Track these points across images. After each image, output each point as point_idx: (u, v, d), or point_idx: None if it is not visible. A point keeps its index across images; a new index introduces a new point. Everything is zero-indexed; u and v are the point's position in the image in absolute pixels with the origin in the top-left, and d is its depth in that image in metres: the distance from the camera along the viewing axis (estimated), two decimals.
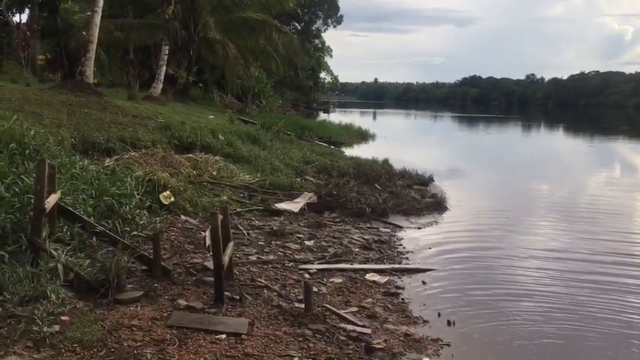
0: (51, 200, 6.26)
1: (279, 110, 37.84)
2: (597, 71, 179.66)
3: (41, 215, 5.93)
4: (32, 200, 6.08)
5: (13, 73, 21.23)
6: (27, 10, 33.98)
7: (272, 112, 33.71)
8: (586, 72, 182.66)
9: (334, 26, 60.78)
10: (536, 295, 7.53)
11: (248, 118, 25.30)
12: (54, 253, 5.91)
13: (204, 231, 7.05)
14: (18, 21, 33.43)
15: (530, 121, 72.23)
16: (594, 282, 8.14)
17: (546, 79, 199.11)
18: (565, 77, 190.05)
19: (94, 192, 7.99)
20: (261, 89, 36.32)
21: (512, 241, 10.44)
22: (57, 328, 4.80)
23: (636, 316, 6.86)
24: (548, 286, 7.95)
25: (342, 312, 6.18)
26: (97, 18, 17.75)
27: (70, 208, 6.92)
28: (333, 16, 59.48)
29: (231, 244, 6.80)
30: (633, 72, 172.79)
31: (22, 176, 7.13)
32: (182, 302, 5.93)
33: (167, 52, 24.28)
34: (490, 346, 5.94)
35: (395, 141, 33.63)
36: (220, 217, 6.35)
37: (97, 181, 8.37)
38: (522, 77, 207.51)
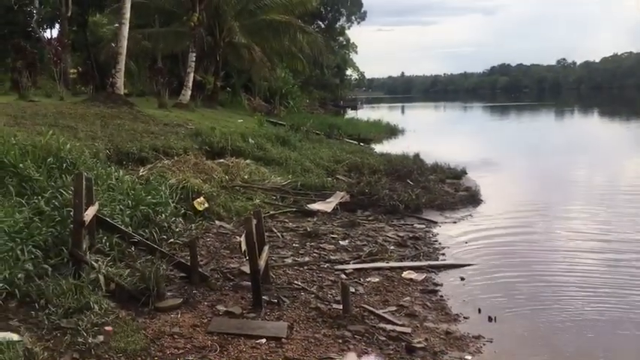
0: (89, 212, 6.38)
1: (307, 110, 37.88)
2: (630, 52, 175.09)
3: (81, 228, 6.05)
4: (72, 213, 6.21)
5: (47, 88, 21.70)
6: (57, 26, 34.79)
7: (300, 112, 33.78)
8: (619, 54, 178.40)
9: (358, 22, 60.44)
10: (577, 285, 7.38)
11: (277, 119, 25.40)
12: (94, 264, 6.04)
13: (239, 235, 7.11)
14: (49, 36, 34.24)
15: (563, 107, 70.70)
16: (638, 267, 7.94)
17: (578, 63, 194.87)
18: (597, 60, 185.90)
19: (130, 202, 8.12)
20: (288, 90, 36.39)
21: (550, 231, 10.26)
22: (101, 338, 4.89)
23: None
24: (590, 275, 7.78)
25: (380, 312, 6.16)
26: (125, 30, 18.06)
27: (108, 219, 7.05)
28: (357, 13, 59.15)
29: (266, 247, 6.85)
30: None
31: (61, 190, 7.28)
32: (221, 308, 5.99)
33: (194, 58, 24.53)
34: (533, 340, 5.83)
35: (425, 134, 33.32)
36: (254, 221, 6.39)
37: (132, 191, 8.51)
38: (553, 63, 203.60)
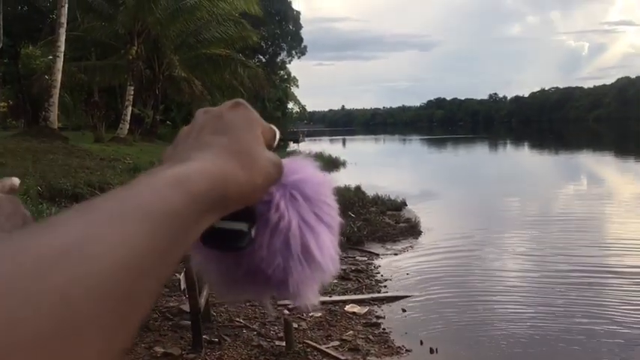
0: None
1: None
2: (557, 87, 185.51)
3: None
4: None
5: None
6: None
7: None
8: (546, 88, 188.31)
9: (299, 57, 61.44)
10: (516, 314, 7.55)
11: None
12: None
13: (179, 272, 6.93)
14: None
15: (496, 140, 73.63)
16: (576, 296, 8.22)
17: (509, 98, 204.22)
18: (526, 95, 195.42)
19: None
20: None
21: (489, 261, 10.50)
22: None
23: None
24: (529, 305, 7.98)
25: (323, 347, 6.10)
26: (59, 63, 17.64)
27: None
28: (297, 47, 60.13)
29: (207, 285, 6.69)
30: (591, 86, 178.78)
31: None
32: (159, 349, 5.78)
33: (132, 92, 24.19)
34: None
35: (366, 166, 33.84)
36: None
37: None
38: (485, 97, 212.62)
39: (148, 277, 0.34)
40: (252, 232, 0.51)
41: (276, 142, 0.54)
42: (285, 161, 0.55)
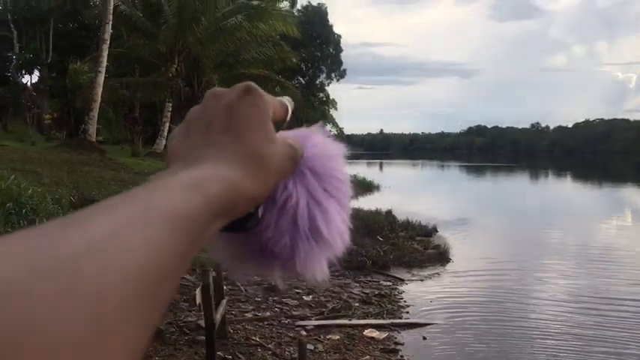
0: None
1: None
2: (602, 119, 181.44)
3: None
4: None
5: (20, 133, 21.54)
6: (36, 72, 34.94)
7: None
8: (591, 120, 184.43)
9: (337, 80, 61.71)
10: (543, 350, 7.27)
11: None
12: None
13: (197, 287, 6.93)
14: (25, 82, 34.30)
15: (537, 169, 72.15)
16: (604, 330, 7.90)
17: (551, 128, 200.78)
18: (570, 125, 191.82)
19: None
20: None
21: (517, 293, 10.17)
22: None
23: None
24: (555, 339, 7.68)
25: None
26: (101, 78, 18.17)
27: None
28: (337, 70, 60.49)
29: (224, 301, 6.66)
30: (638, 118, 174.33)
31: None
32: None
33: (170, 108, 24.68)
34: None
35: (400, 191, 33.53)
36: (213, 273, 6.24)
37: None
38: (527, 126, 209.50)
39: (169, 279, 0.35)
40: (260, 212, 0.51)
41: (289, 115, 0.55)
42: (295, 134, 0.55)
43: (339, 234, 0.55)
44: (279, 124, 0.54)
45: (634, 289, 10.53)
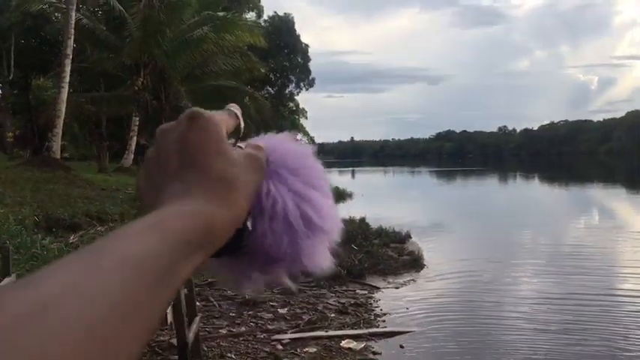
0: (4, 285, 5.93)
1: None
2: (566, 120, 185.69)
3: None
4: None
5: None
6: None
7: None
8: (555, 122, 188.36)
9: (307, 89, 61.94)
10: (519, 352, 7.27)
11: None
12: None
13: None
14: None
15: (506, 172, 73.30)
16: (584, 332, 7.95)
17: (518, 130, 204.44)
18: (536, 127, 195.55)
19: None
20: None
21: (492, 297, 10.17)
22: None
23: None
24: (532, 344, 7.67)
25: None
26: (64, 94, 17.80)
27: None
28: (305, 80, 60.65)
29: (197, 318, 6.48)
30: (601, 119, 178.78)
31: None
32: None
33: (137, 122, 24.32)
34: None
35: (373, 198, 33.61)
36: (184, 290, 6.07)
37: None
38: (495, 130, 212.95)
39: (131, 321, 0.35)
40: (249, 225, 0.51)
41: (241, 121, 0.56)
42: (262, 141, 0.57)
43: (331, 219, 0.58)
44: (237, 132, 0.55)
45: (604, 284, 10.83)
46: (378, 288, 10.51)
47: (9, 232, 8.44)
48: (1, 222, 8.65)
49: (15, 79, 31.41)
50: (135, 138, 23.98)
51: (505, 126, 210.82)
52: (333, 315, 8.62)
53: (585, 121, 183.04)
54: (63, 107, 17.67)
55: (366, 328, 8.06)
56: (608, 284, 11.00)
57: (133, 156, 23.80)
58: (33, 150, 23.55)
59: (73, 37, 18.31)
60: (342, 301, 9.47)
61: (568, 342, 7.63)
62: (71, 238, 10.03)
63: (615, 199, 31.87)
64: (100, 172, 19.73)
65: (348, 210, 21.84)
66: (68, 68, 17.96)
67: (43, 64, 31.52)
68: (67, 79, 17.93)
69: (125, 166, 22.51)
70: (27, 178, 14.04)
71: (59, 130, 17.60)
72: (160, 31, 23.32)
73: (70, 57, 18.04)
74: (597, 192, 38.05)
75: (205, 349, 6.73)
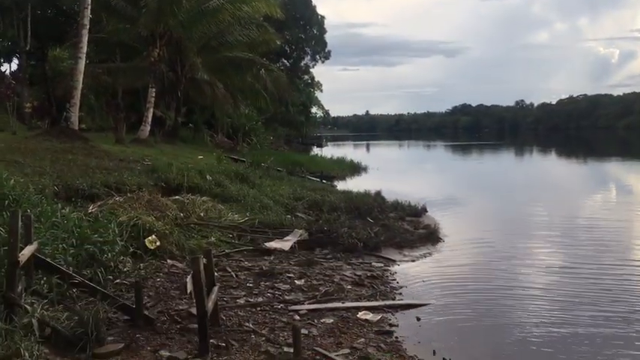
0: (26, 252, 6.01)
1: (271, 147, 37.81)
2: (585, 94, 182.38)
3: (14, 269, 5.67)
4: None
5: (1, 122, 21.11)
6: (15, 60, 34.21)
7: (263, 148, 33.65)
8: (574, 96, 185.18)
9: (322, 61, 61.28)
10: (534, 323, 7.28)
11: (238, 156, 25.16)
12: (29, 308, 5.65)
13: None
14: (4, 70, 33.60)
15: (522, 147, 72.59)
16: (595, 303, 8.03)
17: (535, 105, 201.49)
18: (554, 102, 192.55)
19: (74, 240, 7.73)
20: (252, 127, 36.33)
21: (508, 269, 10.20)
22: None
23: None
24: (548, 313, 7.71)
25: (333, 355, 5.91)
26: (81, 64, 17.77)
27: (48, 259, 6.66)
28: (321, 52, 60.00)
29: (215, 288, 6.54)
30: (621, 94, 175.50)
31: None
32: (165, 353, 5.67)
33: (154, 94, 24.29)
34: None
35: (388, 172, 33.51)
36: (203, 260, 6.12)
37: (78, 229, 8.12)
38: (512, 104, 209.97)
39: None
40: None
41: None
42: None
43: None
44: None
45: (617, 254, 11.13)
46: (394, 261, 10.54)
47: (29, 202, 8.54)
48: (22, 191, 8.74)
49: (32, 50, 31.48)
50: (151, 110, 23.97)
51: (522, 100, 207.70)
52: (349, 287, 8.67)
53: (605, 95, 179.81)
54: (80, 78, 17.66)
55: (383, 300, 8.11)
56: (621, 255, 11.22)
57: (149, 127, 23.84)
58: (51, 121, 23.68)
59: (89, 7, 18.22)
60: (359, 273, 9.51)
61: (581, 308, 7.82)
62: (90, 208, 10.14)
63: (630, 173, 31.51)
64: (117, 143, 19.81)
65: (364, 183, 21.87)
66: (85, 39, 17.90)
67: (60, 34, 31.45)
68: (85, 49, 17.88)
69: (142, 138, 22.58)
70: (46, 148, 14.16)
71: (77, 101, 17.64)
72: (175, 1, 23.10)
73: (87, 27, 17.96)
74: (613, 167, 37.59)
75: (223, 318, 6.82)
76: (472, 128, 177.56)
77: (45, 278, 6.53)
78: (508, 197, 21.91)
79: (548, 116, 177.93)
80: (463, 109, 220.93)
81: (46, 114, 24.48)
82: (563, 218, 16.15)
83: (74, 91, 17.74)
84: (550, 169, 38.79)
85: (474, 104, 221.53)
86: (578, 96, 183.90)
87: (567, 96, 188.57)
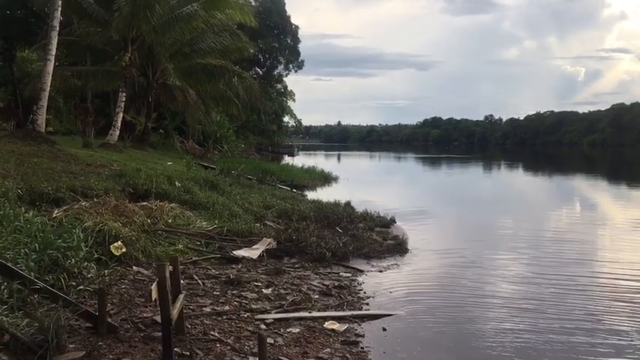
0: None
1: (242, 154, 37.68)
2: (552, 111, 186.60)
3: None
4: None
5: None
6: None
7: (234, 156, 33.50)
8: (542, 112, 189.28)
9: (295, 71, 61.52)
10: (498, 332, 7.38)
11: (209, 163, 24.98)
12: None
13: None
14: None
15: (490, 161, 73.79)
16: (559, 313, 8.20)
17: (504, 120, 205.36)
18: (522, 117, 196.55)
19: (37, 245, 7.57)
20: (223, 134, 36.14)
21: (474, 278, 10.34)
22: None
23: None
24: (513, 321, 7.83)
25: None
26: (50, 66, 17.45)
27: (9, 264, 6.51)
28: (294, 61, 60.20)
29: (181, 296, 6.47)
30: (586, 111, 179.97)
31: None
32: None
33: (124, 99, 23.99)
34: None
35: (358, 183, 33.70)
36: (169, 267, 6.06)
37: (41, 234, 7.96)
38: (481, 118, 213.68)
39: None
40: None
41: None
42: None
43: None
44: None
45: (580, 266, 11.56)
46: (362, 271, 10.57)
47: None
48: None
49: None
50: (121, 114, 23.65)
51: (491, 115, 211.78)
52: (316, 296, 8.66)
53: (571, 112, 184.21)
54: (48, 80, 17.32)
55: (350, 310, 8.12)
56: (584, 266, 11.59)
57: (118, 132, 23.51)
58: (17, 123, 23.18)
59: (60, 8, 17.93)
60: (326, 282, 9.52)
61: (545, 317, 8.01)
62: (55, 212, 9.93)
63: (593, 190, 32.32)
64: (84, 147, 19.48)
65: (334, 193, 21.94)
66: (55, 40, 17.57)
67: (29, 35, 30.91)
68: (54, 51, 17.54)
69: (110, 142, 22.25)
70: (10, 151, 13.83)
71: (44, 103, 17.28)
72: (149, 6, 22.92)
73: (57, 29, 17.64)
74: (578, 182, 38.53)
75: (189, 326, 6.74)
76: (442, 141, 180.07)
77: (5, 283, 6.38)
78: (476, 209, 22.28)
79: (516, 131, 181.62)
80: (434, 122, 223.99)
81: (12, 116, 23.94)
82: (529, 230, 16.58)
83: (42, 93, 17.39)
84: (517, 183, 39.55)
85: (444, 117, 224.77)
86: (545, 112, 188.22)
87: (535, 112, 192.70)
